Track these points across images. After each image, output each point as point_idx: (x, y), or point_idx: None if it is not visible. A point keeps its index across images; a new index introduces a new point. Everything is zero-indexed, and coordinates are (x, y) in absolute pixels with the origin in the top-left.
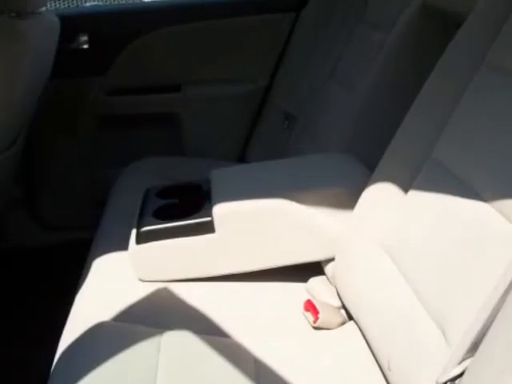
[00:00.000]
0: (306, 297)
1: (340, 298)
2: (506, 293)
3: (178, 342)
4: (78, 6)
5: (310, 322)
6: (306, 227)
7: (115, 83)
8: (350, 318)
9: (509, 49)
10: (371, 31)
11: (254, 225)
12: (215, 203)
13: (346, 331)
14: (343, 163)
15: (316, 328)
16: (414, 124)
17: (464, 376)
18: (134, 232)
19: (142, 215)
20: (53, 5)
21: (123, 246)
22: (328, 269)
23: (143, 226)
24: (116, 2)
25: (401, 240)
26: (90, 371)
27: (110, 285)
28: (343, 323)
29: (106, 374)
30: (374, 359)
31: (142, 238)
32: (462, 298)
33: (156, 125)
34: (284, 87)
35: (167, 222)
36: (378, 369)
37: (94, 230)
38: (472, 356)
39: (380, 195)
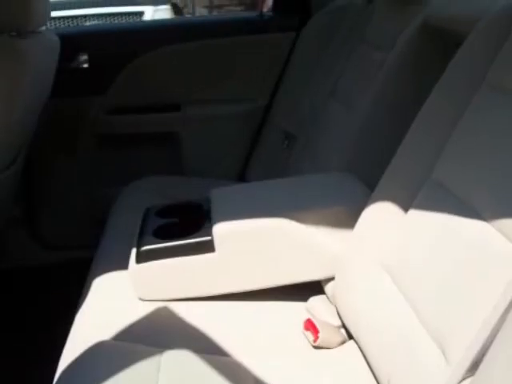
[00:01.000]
0: (306, 316)
1: (340, 318)
2: (506, 312)
3: (178, 362)
4: (78, 25)
5: (309, 341)
6: (305, 246)
7: (115, 102)
8: (350, 337)
9: (509, 68)
10: (372, 50)
11: (253, 244)
12: (215, 222)
13: (346, 350)
14: (343, 182)
15: (316, 347)
16: (414, 143)
17: None
18: (133, 251)
19: (141, 234)
20: (53, 24)
21: (123, 265)
22: (328, 288)
23: (143, 245)
24: (116, 22)
25: (401, 259)
26: None
27: (110, 304)
28: (343, 342)
29: None
30: (373, 378)
31: (141, 257)
32: (462, 317)
33: (156, 144)
34: (284, 106)
35: (167, 241)
36: None
37: (93, 249)
38: (472, 375)
39: (380, 214)
